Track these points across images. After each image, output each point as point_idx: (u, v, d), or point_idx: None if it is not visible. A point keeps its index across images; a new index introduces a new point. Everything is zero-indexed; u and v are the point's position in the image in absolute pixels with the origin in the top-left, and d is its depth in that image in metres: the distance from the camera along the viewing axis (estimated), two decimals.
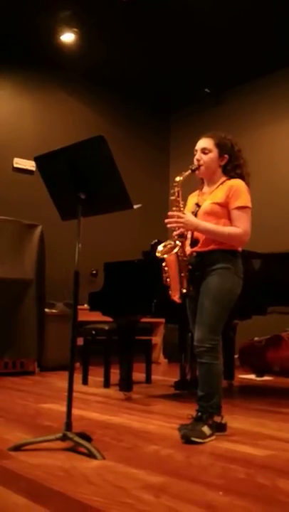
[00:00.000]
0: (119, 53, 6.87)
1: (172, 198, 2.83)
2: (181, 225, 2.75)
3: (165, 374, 5.77)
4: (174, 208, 2.82)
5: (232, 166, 2.89)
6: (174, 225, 2.77)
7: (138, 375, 4.57)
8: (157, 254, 2.77)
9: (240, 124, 7.38)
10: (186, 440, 2.54)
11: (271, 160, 7.14)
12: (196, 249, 2.83)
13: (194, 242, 2.84)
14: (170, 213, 2.79)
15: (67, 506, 1.70)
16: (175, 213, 2.78)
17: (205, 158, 2.86)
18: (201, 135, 2.95)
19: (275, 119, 7.21)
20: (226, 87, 7.63)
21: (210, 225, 2.76)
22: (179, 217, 2.76)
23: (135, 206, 2.61)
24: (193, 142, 2.94)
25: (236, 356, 5.20)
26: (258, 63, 6.95)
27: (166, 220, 2.79)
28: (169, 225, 2.79)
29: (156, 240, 4.13)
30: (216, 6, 5.81)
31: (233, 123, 7.37)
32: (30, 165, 6.61)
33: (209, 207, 2.81)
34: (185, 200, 2.97)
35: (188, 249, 2.85)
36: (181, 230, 2.77)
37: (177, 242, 2.77)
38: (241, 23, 6.08)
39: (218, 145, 2.87)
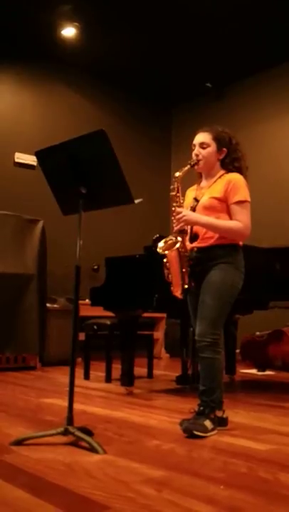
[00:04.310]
0: (120, 47, 6.85)
1: (172, 193, 2.82)
2: (183, 222, 2.74)
3: (167, 369, 5.78)
4: (174, 204, 2.81)
5: (230, 159, 2.88)
6: (182, 224, 2.75)
7: (140, 370, 4.57)
8: (158, 251, 2.77)
9: (242, 118, 7.36)
10: (189, 434, 2.54)
11: (273, 154, 7.11)
12: (196, 244, 2.82)
13: (194, 237, 2.83)
14: (174, 216, 2.78)
15: (69, 500, 1.70)
16: (177, 210, 2.77)
17: (203, 152, 2.85)
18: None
19: (277, 114, 7.18)
20: (228, 82, 7.60)
21: (211, 219, 2.75)
22: (177, 213, 2.75)
23: (136, 201, 2.61)
24: (194, 137, 2.93)
25: (238, 351, 5.21)
26: (259, 57, 6.92)
27: (174, 223, 2.78)
28: (176, 227, 2.76)
29: (157, 235, 4.13)
30: (217, 0, 5.78)
31: (235, 117, 7.35)
32: (31, 160, 6.59)
33: (208, 201, 2.80)
34: (184, 195, 2.97)
35: (188, 244, 2.84)
36: (182, 225, 2.76)
37: (178, 238, 2.76)
38: (243, 16, 6.04)
39: (216, 139, 2.85)
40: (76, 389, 2.47)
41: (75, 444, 2.32)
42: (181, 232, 2.78)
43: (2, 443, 2.34)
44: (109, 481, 1.86)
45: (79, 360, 4.96)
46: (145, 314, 4.18)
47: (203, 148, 2.85)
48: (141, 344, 4.69)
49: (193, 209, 2.82)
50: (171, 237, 2.79)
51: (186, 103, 8.26)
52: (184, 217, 2.73)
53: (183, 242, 2.78)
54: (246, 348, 5.75)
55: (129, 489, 1.78)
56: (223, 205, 2.78)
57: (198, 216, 2.76)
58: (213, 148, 2.85)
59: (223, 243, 2.76)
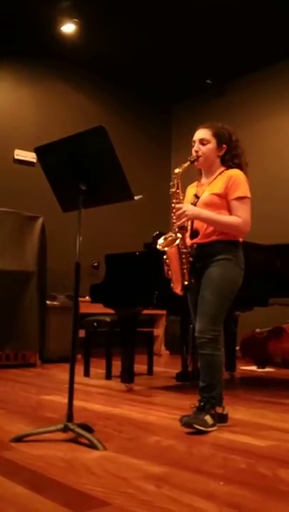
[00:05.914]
0: (120, 44, 6.83)
1: (172, 190, 2.82)
2: (184, 217, 2.73)
3: (167, 365, 5.78)
4: (174, 200, 2.80)
5: (230, 156, 2.87)
6: (183, 220, 2.74)
7: (140, 367, 4.57)
8: (158, 247, 2.76)
9: (242, 115, 7.34)
10: (189, 427, 2.55)
11: (274, 151, 7.11)
12: (196, 240, 2.82)
13: (194, 234, 2.83)
14: (174, 212, 2.77)
15: (69, 497, 1.70)
16: (177, 206, 2.77)
17: (203, 149, 2.85)
18: None
19: (277, 110, 7.17)
20: (228, 78, 7.58)
21: (211, 213, 2.75)
22: (177, 209, 2.75)
23: (136, 197, 2.60)
24: (194, 133, 2.92)
25: (238, 348, 5.21)
26: (260, 54, 6.90)
27: (174, 219, 2.77)
28: (177, 223, 2.76)
29: (157, 232, 4.12)
30: None
31: (235, 114, 7.34)
32: (31, 156, 6.58)
33: (208, 198, 2.79)
34: (184, 192, 2.96)
35: (188, 240, 2.84)
36: (184, 220, 2.75)
37: (178, 235, 2.75)
38: (243, 12, 6.03)
39: (216, 135, 2.85)
40: (76, 386, 2.47)
41: (75, 440, 2.32)
42: (181, 229, 2.78)
43: (2, 440, 2.35)
44: (109, 478, 1.87)
45: (79, 357, 4.96)
46: (145, 311, 4.17)
47: (203, 144, 2.85)
48: (141, 341, 4.69)
49: (194, 205, 2.82)
50: (170, 233, 2.79)
51: (186, 100, 8.24)
52: (185, 212, 2.73)
53: (183, 238, 2.77)
54: (246, 345, 5.75)
55: (129, 485, 1.78)
56: (224, 201, 2.78)
57: (199, 210, 2.76)
58: (213, 144, 2.84)
59: (223, 239, 2.76)
